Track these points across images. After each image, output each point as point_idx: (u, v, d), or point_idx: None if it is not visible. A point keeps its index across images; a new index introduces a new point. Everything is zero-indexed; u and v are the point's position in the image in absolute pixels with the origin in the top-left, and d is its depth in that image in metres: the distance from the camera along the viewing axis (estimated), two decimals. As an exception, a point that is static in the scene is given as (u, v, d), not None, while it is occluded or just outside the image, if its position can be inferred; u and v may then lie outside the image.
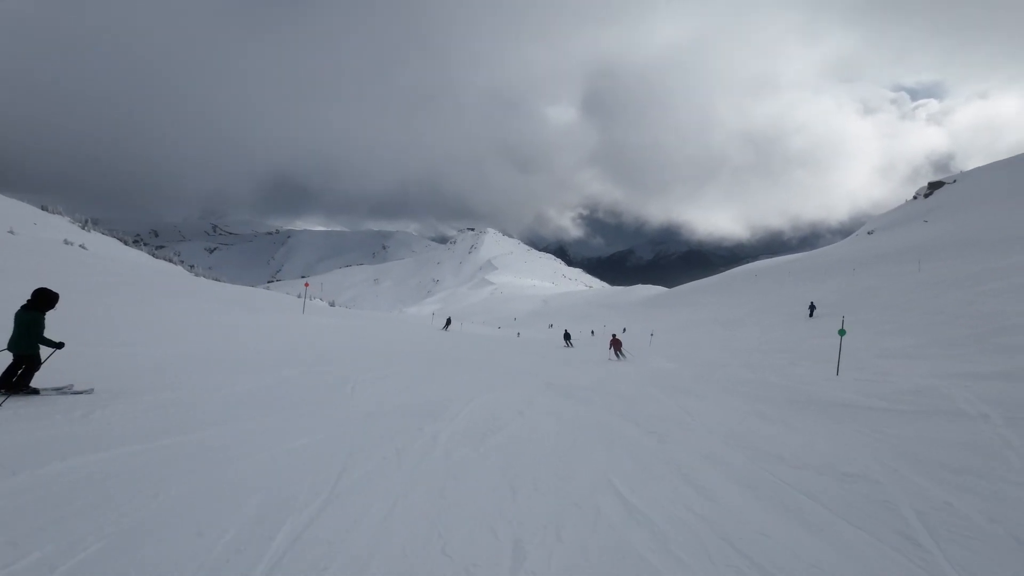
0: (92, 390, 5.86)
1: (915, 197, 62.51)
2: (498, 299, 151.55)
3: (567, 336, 30.88)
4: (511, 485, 4.06)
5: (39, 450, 3.86)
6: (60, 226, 40.84)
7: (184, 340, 10.65)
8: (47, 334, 5.65)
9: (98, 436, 4.33)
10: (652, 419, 6.65)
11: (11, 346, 5.50)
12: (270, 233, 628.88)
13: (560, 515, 3.52)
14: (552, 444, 5.41)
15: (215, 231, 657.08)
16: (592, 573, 2.82)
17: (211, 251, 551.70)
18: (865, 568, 2.97)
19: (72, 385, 5.91)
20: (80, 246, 31.24)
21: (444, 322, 38.98)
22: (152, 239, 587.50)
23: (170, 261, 58.26)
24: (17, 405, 4.96)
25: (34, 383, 5.66)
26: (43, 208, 47.47)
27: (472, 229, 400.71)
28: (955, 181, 59.04)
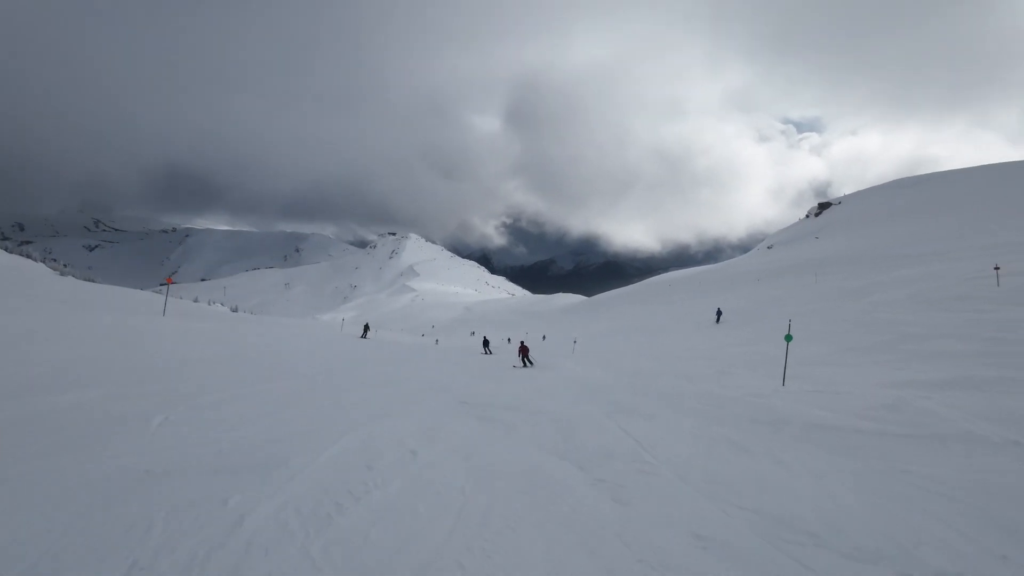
0: None
1: (807, 216, 68.76)
2: (419, 306, 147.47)
3: (486, 343, 29.42)
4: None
5: None
6: None
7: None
8: None
9: None
10: (597, 457, 4.93)
11: None
12: (165, 231, 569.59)
13: None
14: (449, 526, 3.34)
15: (97, 226, 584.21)
16: None
17: (91, 249, 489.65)
18: None
19: None
20: None
21: (362, 330, 36.29)
22: (15, 233, 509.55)
23: (31, 258, 49.20)
24: None
25: None
26: None
27: (394, 234, 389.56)
28: (840, 203, 65.75)
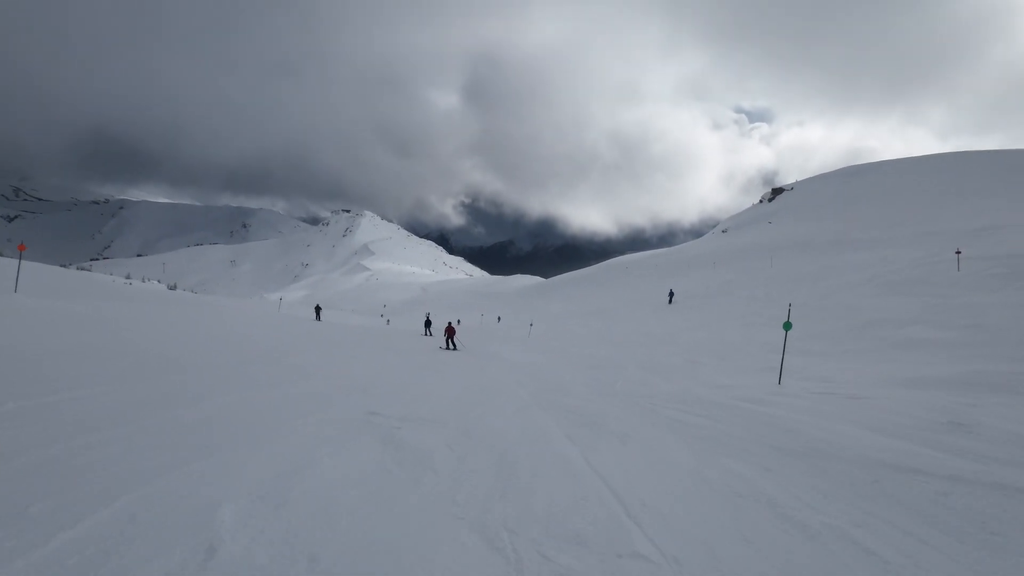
0: None
1: (760, 201, 69.95)
2: (373, 286, 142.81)
3: (428, 324, 27.47)
4: None
5: None
6: None
7: None
8: None
9: None
10: (555, 539, 2.91)
11: None
12: (96, 202, 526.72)
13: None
14: None
15: (17, 195, 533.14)
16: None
17: (11, 219, 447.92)
18: None
19: None
20: None
21: (314, 312, 34.13)
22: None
23: None
24: None
25: None
26: None
27: (348, 211, 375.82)
28: (792, 188, 67.08)
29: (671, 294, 32.60)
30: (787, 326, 8.79)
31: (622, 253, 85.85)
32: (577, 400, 7.57)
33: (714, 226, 76.86)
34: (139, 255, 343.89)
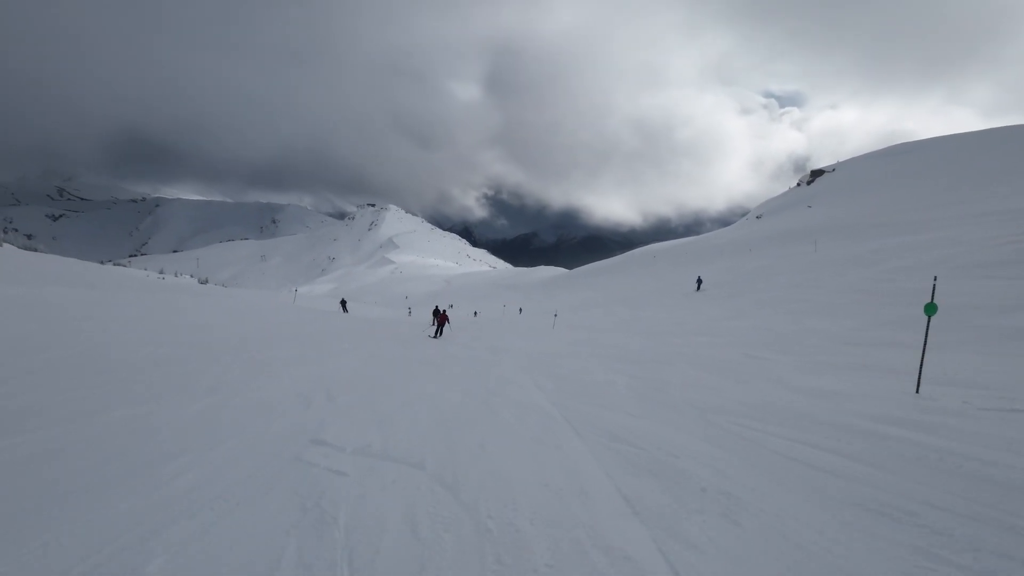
0: None
1: (798, 184, 66.10)
2: (398, 279, 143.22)
3: (436, 314, 25.03)
4: None
5: None
6: None
7: None
8: None
9: None
10: None
11: None
12: (134, 200, 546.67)
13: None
14: None
15: (61, 195, 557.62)
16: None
17: (55, 218, 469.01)
18: None
19: None
20: None
21: (340, 305, 34.80)
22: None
23: None
24: None
25: None
26: None
27: (373, 205, 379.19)
28: (834, 170, 63.07)
29: (699, 281, 31.11)
30: (931, 309, 6.10)
31: (647, 243, 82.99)
32: (622, 415, 5.64)
33: (743, 214, 73.31)
34: (175, 251, 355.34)
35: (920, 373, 6.15)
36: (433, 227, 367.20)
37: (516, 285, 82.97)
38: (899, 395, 5.94)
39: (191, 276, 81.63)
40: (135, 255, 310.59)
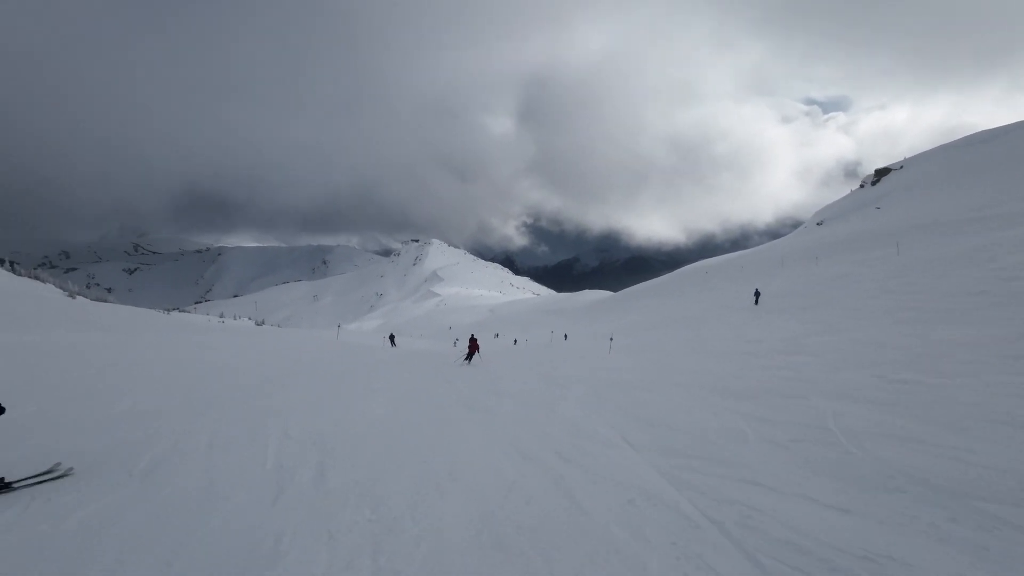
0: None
1: (862, 185, 61.34)
2: (443, 310, 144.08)
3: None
4: None
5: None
6: None
7: None
8: None
9: None
10: None
11: None
12: (199, 251, 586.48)
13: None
14: None
15: (136, 250, 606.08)
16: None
17: (131, 272, 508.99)
18: None
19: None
20: None
21: (389, 339, 35.28)
22: (62, 261, 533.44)
23: (55, 284, 46.30)
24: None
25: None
26: None
27: (416, 240, 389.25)
28: (902, 167, 58.17)
29: (757, 294, 29.83)
30: None
31: (693, 261, 79.20)
32: (800, 500, 3.34)
33: (794, 225, 68.79)
34: (235, 295, 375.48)
35: None
36: (476, 258, 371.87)
37: (561, 310, 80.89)
38: None
39: (248, 318, 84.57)
40: (200, 302, 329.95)
